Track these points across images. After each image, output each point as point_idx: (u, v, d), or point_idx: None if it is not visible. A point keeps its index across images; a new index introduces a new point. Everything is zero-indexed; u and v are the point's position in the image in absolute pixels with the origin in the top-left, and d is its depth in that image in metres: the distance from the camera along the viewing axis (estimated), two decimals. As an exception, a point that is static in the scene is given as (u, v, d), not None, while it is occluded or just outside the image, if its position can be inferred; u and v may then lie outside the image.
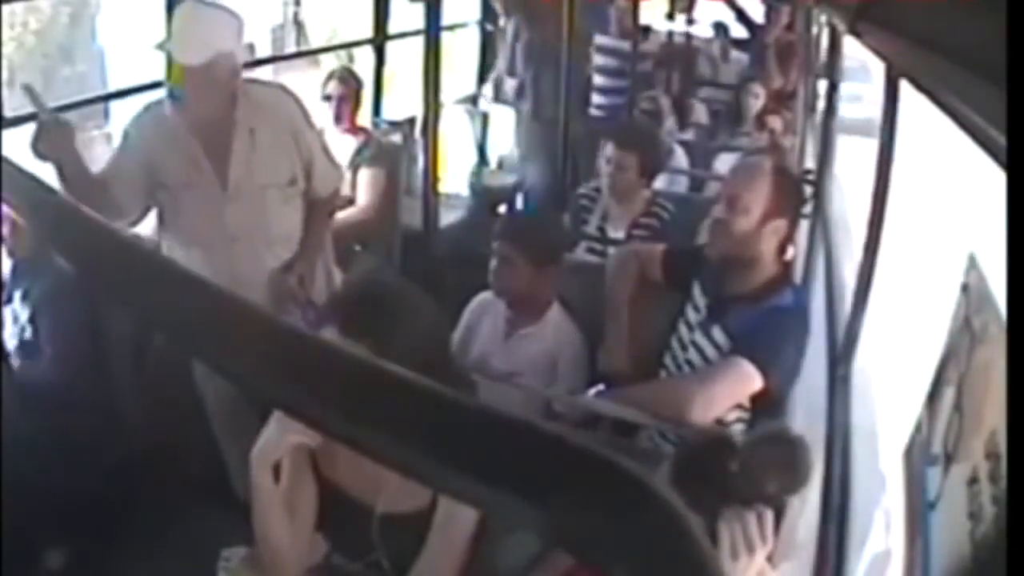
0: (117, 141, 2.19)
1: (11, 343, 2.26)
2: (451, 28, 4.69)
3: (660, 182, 3.06)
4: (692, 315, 1.95)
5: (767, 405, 1.79)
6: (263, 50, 6.96)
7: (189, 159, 2.06)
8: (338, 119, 3.20)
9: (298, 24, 9.51)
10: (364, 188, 3.10)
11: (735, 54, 5.25)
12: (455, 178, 4.11)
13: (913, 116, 1.42)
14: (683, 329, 1.96)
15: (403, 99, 4.36)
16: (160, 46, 1.97)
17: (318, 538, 1.43)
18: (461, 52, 5.30)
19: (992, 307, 0.98)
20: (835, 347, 1.87)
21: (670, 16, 5.17)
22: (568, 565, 1.30)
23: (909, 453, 1.22)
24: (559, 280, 2.07)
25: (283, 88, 2.22)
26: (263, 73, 3.69)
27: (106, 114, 5.84)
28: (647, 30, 4.67)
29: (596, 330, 2.08)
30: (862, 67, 3.25)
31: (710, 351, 1.87)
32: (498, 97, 4.56)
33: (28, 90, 1.90)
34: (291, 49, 8.68)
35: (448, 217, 3.24)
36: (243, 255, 2.10)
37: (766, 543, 1.11)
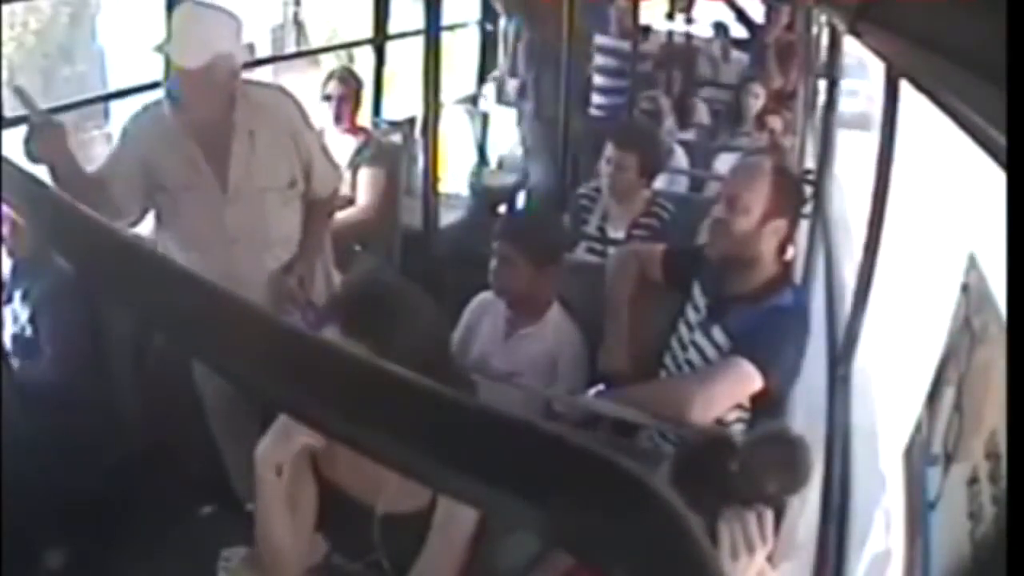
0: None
1: (11, 343, 2.26)
2: (451, 28, 4.70)
3: (660, 182, 3.06)
4: (692, 315, 1.95)
5: (767, 405, 1.79)
6: (263, 50, 6.97)
7: (188, 161, 2.05)
8: (338, 119, 3.20)
9: (298, 24, 9.50)
10: (364, 188, 3.10)
11: (735, 54, 5.25)
12: (455, 178, 4.11)
13: (913, 116, 1.42)
14: (683, 329, 1.96)
15: (403, 99, 4.36)
16: (159, 48, 1.96)
17: (318, 538, 1.43)
18: (461, 52, 5.30)
19: (992, 307, 0.98)
20: (835, 347, 1.87)
21: (670, 16, 5.18)
22: (568, 565, 1.30)
23: (909, 453, 1.22)
24: (559, 280, 2.07)
25: (282, 90, 2.23)
26: (263, 73, 3.69)
27: (106, 114, 5.84)
28: (647, 30, 4.68)
29: (596, 330, 2.07)
30: (859, 63, 3.25)
31: (710, 351, 1.87)
32: (501, 98, 4.56)
33: (19, 92, 1.88)
34: (291, 49, 8.68)
35: (448, 217, 3.24)
36: (242, 257, 2.10)
37: (766, 543, 1.11)
